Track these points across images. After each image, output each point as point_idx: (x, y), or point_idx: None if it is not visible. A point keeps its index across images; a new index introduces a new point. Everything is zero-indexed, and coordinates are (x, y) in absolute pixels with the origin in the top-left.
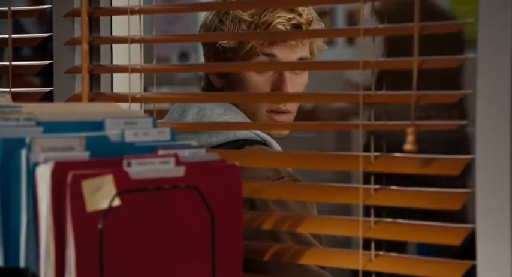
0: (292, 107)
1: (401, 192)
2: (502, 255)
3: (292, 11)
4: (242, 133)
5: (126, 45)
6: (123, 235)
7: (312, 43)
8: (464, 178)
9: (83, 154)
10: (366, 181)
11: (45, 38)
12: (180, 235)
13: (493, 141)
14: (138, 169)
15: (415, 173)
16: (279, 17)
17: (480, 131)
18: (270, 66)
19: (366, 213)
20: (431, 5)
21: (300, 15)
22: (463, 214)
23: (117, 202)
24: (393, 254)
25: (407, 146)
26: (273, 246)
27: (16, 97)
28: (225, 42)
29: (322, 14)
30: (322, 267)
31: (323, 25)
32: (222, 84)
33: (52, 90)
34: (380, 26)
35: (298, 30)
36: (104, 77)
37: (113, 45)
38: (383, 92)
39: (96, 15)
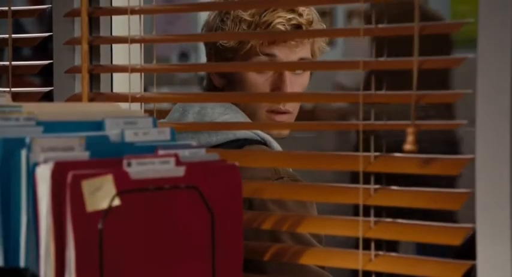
0: (292, 107)
1: (401, 192)
2: (502, 255)
3: (292, 11)
4: (242, 132)
5: (126, 45)
6: (123, 235)
7: (313, 44)
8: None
9: (83, 154)
10: (366, 181)
11: (45, 38)
12: (180, 235)
13: (493, 141)
14: (138, 169)
15: (415, 173)
16: (279, 17)
17: (480, 131)
18: (269, 66)
19: (366, 213)
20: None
21: (301, 15)
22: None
23: (117, 202)
24: (393, 254)
25: (407, 146)
26: (273, 246)
27: (16, 97)
28: (225, 41)
29: (322, 14)
30: (322, 267)
31: (324, 26)
32: (223, 84)
33: (52, 90)
34: (380, 26)
35: (298, 30)
36: (103, 77)
37: (113, 45)
38: (383, 92)
39: (96, 15)
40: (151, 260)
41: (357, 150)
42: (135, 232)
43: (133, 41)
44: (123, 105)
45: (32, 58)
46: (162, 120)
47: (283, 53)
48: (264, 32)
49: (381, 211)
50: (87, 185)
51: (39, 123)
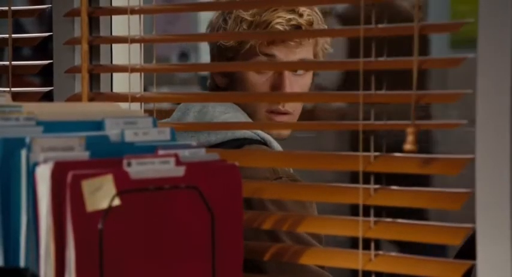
0: (292, 108)
1: (401, 192)
2: (502, 255)
3: (293, 11)
4: (242, 132)
5: (126, 45)
6: (123, 235)
7: (315, 45)
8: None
9: (83, 154)
10: (366, 181)
11: (45, 37)
12: (180, 235)
13: (493, 141)
14: (138, 169)
15: (415, 173)
16: (278, 17)
17: (480, 131)
18: (269, 66)
19: (366, 213)
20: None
21: (301, 16)
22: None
23: (117, 202)
24: (393, 254)
25: (407, 146)
26: (272, 246)
27: (16, 97)
28: (226, 41)
29: (322, 14)
30: (322, 267)
31: (326, 27)
32: (225, 83)
33: (52, 90)
34: (380, 26)
35: (297, 30)
36: (103, 77)
37: (113, 45)
38: (383, 91)
39: (96, 15)
40: (151, 260)
41: (356, 150)
42: (135, 232)
43: (133, 40)
44: (123, 105)
45: (32, 58)
46: (163, 120)
47: (283, 53)
48: (264, 31)
49: (381, 211)
50: (87, 185)
51: (39, 123)
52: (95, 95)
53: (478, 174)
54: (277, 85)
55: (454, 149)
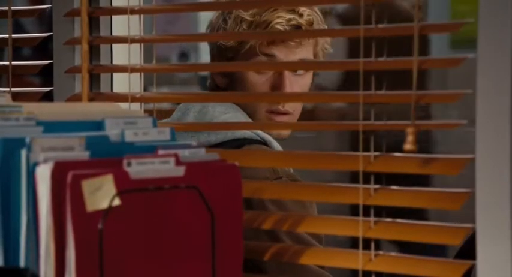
0: (292, 108)
1: (401, 192)
2: (502, 255)
3: (293, 11)
4: (241, 132)
5: (126, 45)
6: (123, 235)
7: (315, 45)
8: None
9: (83, 154)
10: (366, 181)
11: (45, 37)
12: (180, 235)
13: (493, 141)
14: (138, 169)
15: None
16: (278, 17)
17: (480, 131)
18: (269, 66)
19: (366, 213)
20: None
21: (301, 16)
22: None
23: (117, 202)
24: (393, 254)
25: (407, 146)
26: (272, 246)
27: (16, 97)
28: (225, 41)
29: (322, 14)
30: (322, 267)
31: (326, 27)
32: (225, 83)
33: (52, 90)
34: (380, 26)
35: (297, 30)
36: (103, 77)
37: (113, 45)
38: (383, 91)
39: (96, 15)
40: (151, 260)
41: (356, 150)
42: (135, 232)
43: (133, 40)
44: (123, 105)
45: (32, 58)
46: (163, 120)
47: (283, 53)
48: (264, 31)
49: (381, 211)
50: (87, 185)
51: (39, 123)
52: (95, 95)
53: (478, 174)
54: (277, 85)
55: (454, 149)
